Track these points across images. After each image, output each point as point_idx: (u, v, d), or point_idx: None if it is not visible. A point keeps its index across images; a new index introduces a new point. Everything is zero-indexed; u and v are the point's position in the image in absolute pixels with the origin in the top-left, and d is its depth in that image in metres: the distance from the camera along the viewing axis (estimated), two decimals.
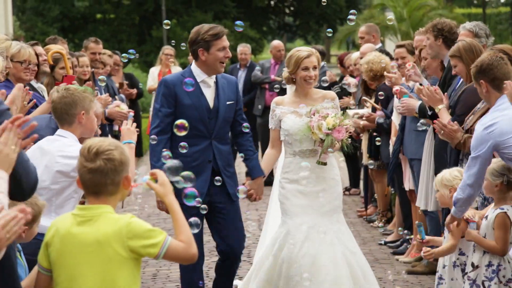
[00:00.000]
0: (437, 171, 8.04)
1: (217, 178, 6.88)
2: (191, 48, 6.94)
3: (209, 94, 6.97)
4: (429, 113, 7.91)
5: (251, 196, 7.14)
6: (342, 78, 12.66)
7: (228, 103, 7.00)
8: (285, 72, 7.29)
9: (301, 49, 7.32)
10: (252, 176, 7.20)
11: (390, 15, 30.51)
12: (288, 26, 41.95)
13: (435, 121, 7.15)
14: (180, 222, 4.06)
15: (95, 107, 5.78)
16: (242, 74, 15.23)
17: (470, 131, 6.97)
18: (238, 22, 8.15)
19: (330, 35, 8.43)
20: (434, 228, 8.72)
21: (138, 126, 13.90)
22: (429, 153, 8.46)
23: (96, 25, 33.46)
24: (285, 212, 7.22)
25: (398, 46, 9.86)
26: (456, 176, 6.41)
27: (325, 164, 7.11)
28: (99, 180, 4.00)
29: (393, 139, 9.57)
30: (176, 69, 15.09)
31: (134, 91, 13.59)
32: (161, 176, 4.13)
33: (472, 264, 6.25)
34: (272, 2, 39.27)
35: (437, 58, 8.48)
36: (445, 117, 7.33)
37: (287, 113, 7.21)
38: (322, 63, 14.04)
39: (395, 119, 9.49)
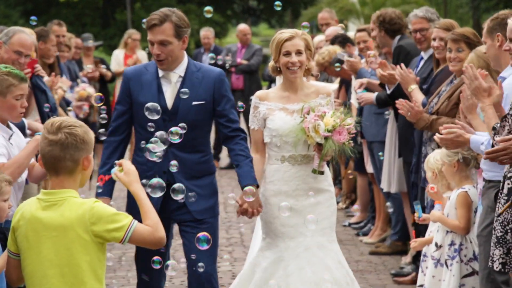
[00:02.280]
0: (401, 153, 8.18)
1: (172, 162, 5.60)
2: None
3: (169, 92, 5.75)
4: (388, 92, 8.02)
5: (245, 212, 5.83)
6: None
7: (195, 103, 5.73)
8: (270, 61, 6.16)
9: (283, 31, 6.09)
10: (241, 185, 5.76)
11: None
12: (252, 10, 41.90)
13: (402, 102, 7.19)
14: (146, 208, 4.07)
15: (18, 91, 5.42)
16: (206, 58, 15.30)
17: (437, 113, 7.07)
18: (277, 2, 7.11)
19: (279, 8, 7.18)
20: (397, 209, 8.87)
21: (108, 111, 13.99)
22: (392, 135, 8.59)
23: (60, 8, 33.17)
24: (274, 233, 6.01)
25: (359, 30, 9.97)
26: (437, 160, 6.51)
27: (322, 173, 5.97)
28: (58, 154, 3.98)
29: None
30: (141, 53, 15.13)
31: (97, 73, 13.57)
32: (126, 165, 4.16)
33: (436, 244, 6.39)
34: None
35: (386, 47, 8.66)
36: (418, 96, 7.42)
37: (274, 110, 6.04)
38: None
39: (354, 102, 9.60)
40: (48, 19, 22.21)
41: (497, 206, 5.29)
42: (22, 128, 5.99)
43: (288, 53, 5.96)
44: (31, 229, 4.02)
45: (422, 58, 8.09)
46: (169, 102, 5.74)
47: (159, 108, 5.51)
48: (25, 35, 6.81)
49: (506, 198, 5.19)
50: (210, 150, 6.02)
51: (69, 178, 4.03)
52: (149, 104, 5.51)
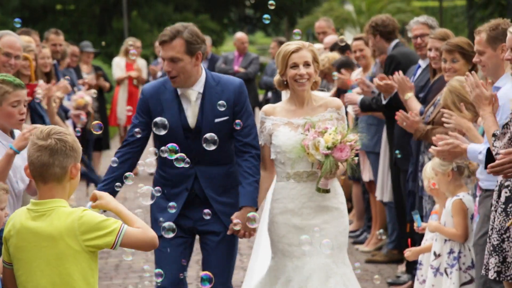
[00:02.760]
0: (397, 161, 8.20)
1: (205, 211, 5.56)
2: None
3: (191, 110, 5.60)
4: (384, 102, 8.05)
5: (237, 231, 5.62)
6: None
7: (217, 120, 5.59)
8: (276, 75, 5.86)
9: (290, 43, 5.79)
10: (240, 204, 5.61)
11: (349, 8, 30.76)
12: (249, 18, 41.99)
13: (397, 112, 7.25)
14: (130, 216, 4.08)
15: (14, 98, 5.37)
16: (203, 66, 15.35)
17: (433, 122, 7.09)
18: (266, 15, 6.96)
19: (267, 21, 6.75)
20: (393, 218, 8.90)
21: (104, 119, 14.03)
22: (386, 145, 8.62)
23: (56, 16, 33.24)
24: (281, 253, 5.72)
25: (356, 39, 10.02)
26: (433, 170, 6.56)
27: (327, 191, 5.64)
28: (47, 160, 3.97)
29: None
30: (140, 61, 15.22)
31: (94, 82, 13.59)
32: (97, 193, 4.16)
33: (434, 253, 6.41)
34: None
35: (383, 53, 8.71)
36: (414, 104, 7.46)
37: (279, 125, 5.75)
38: None
39: (350, 111, 9.65)
40: (45, 26, 22.25)
41: (492, 214, 5.30)
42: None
43: (295, 65, 5.69)
44: (22, 240, 4.02)
45: (419, 66, 8.12)
46: (192, 121, 5.60)
47: (166, 123, 5.36)
48: (13, 37, 6.76)
49: (503, 206, 5.19)
50: (234, 160, 5.80)
51: (58, 186, 4.03)
52: (157, 119, 5.39)
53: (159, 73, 14.75)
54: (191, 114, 5.58)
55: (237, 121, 5.61)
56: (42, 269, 3.97)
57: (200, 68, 5.63)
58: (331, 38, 11.20)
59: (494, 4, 34.99)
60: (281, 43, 14.53)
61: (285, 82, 5.78)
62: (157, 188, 5.25)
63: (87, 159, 10.88)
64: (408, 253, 6.71)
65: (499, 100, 5.41)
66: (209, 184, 5.63)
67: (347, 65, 9.86)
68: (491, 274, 5.18)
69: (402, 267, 8.50)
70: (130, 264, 9.04)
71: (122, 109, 14.97)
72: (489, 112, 5.29)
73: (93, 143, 12.70)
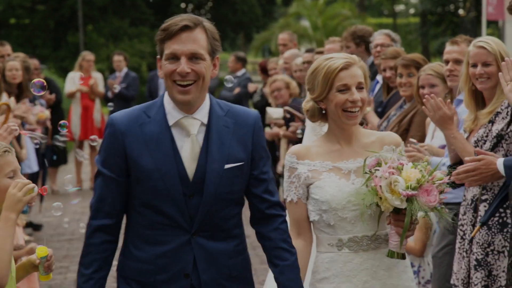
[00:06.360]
0: None
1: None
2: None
3: (189, 150, 3.67)
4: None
5: None
6: (264, 84, 12.83)
7: (228, 166, 3.69)
8: (307, 101, 4.17)
9: (333, 57, 4.06)
10: None
11: (305, 24, 30.99)
12: None
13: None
14: None
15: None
16: (162, 80, 15.28)
17: None
18: None
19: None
20: None
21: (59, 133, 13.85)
22: None
23: (10, 29, 32.97)
24: None
25: (317, 53, 10.09)
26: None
27: (403, 257, 3.97)
28: None
29: None
30: (96, 75, 15.13)
31: (53, 96, 13.51)
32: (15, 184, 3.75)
33: None
34: (188, 9, 39.33)
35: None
36: (372, 118, 7.52)
37: (321, 173, 4.04)
38: (243, 70, 14.13)
39: None
40: None
41: (464, 228, 5.28)
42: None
43: (346, 88, 4.01)
44: None
45: (377, 82, 8.20)
46: (190, 167, 3.69)
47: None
48: None
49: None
50: (244, 232, 3.91)
51: None
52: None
53: (117, 87, 14.64)
54: (190, 155, 3.69)
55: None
56: None
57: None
58: (291, 52, 11.27)
59: (447, 21, 35.54)
60: (239, 58, 14.57)
61: (323, 111, 4.13)
62: None
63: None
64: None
65: (458, 114, 5.44)
66: (211, 265, 3.73)
67: None
68: None
69: None
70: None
71: (76, 124, 14.98)
72: (456, 130, 5.21)
73: (49, 159, 12.56)
